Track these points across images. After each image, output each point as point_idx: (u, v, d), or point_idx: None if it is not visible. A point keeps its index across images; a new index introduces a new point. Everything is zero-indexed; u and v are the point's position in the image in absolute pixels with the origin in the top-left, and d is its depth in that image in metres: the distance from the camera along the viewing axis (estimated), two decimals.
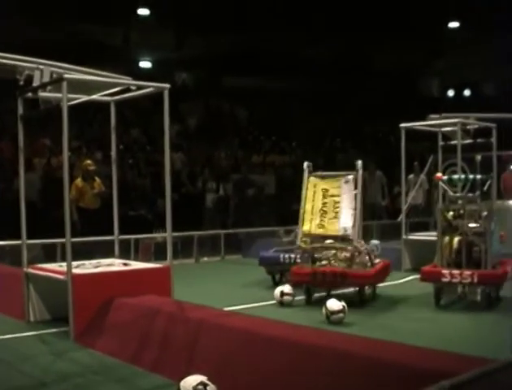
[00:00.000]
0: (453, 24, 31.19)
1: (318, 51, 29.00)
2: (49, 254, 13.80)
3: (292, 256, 11.34)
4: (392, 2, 26.97)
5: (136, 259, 13.72)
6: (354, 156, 24.99)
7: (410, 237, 13.93)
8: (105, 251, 11.07)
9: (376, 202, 19.32)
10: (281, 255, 11.59)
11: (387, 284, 11.01)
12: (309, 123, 28.77)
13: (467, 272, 9.19)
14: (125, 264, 9.19)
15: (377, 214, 19.41)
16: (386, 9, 27.17)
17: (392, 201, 20.44)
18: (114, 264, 9.24)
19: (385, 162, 22.94)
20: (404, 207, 14.45)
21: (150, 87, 8.88)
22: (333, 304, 8.39)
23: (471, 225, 9.51)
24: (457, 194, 10.21)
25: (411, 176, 17.24)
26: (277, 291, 9.86)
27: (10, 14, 22.12)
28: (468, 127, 14.33)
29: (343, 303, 8.40)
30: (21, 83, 8.48)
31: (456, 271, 9.24)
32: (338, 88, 29.75)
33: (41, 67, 8.30)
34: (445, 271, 9.29)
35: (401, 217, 14.33)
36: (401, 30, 28.19)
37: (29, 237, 9.25)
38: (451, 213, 9.75)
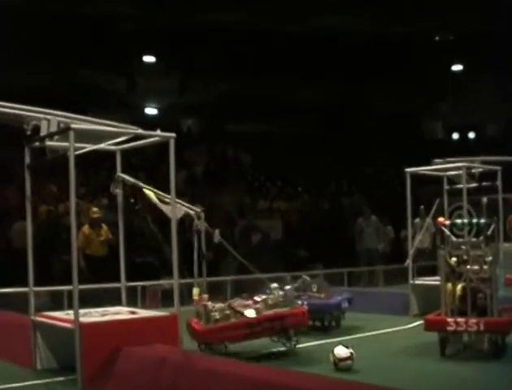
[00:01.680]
0: (457, 67, 31.46)
1: (320, 95, 29.23)
2: (57, 301, 13.79)
3: (300, 303, 11.25)
4: (395, 46, 27.26)
5: (143, 306, 13.70)
6: (359, 200, 25.25)
7: (417, 282, 13.85)
8: (112, 298, 11.06)
9: (372, 248, 19.31)
10: None
11: (394, 330, 10.95)
12: (313, 168, 28.85)
13: (473, 320, 9.02)
14: (132, 312, 9.14)
15: (373, 260, 19.40)
16: (389, 52, 27.45)
17: (399, 244, 20.39)
18: (121, 312, 9.20)
19: (390, 206, 22.97)
20: (410, 251, 14.39)
21: (156, 136, 8.95)
22: (341, 351, 8.32)
23: (476, 271, 9.38)
24: (461, 239, 10.12)
25: (417, 220, 17.20)
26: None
27: (16, 62, 22.37)
28: (473, 170, 14.36)
29: (351, 350, 8.34)
30: (28, 132, 8.57)
31: (461, 319, 9.04)
32: (342, 131, 29.92)
33: (49, 117, 8.39)
34: (450, 320, 9.13)
35: (408, 261, 14.26)
36: (404, 73, 28.45)
37: (35, 284, 9.24)
38: (454, 258, 9.64)
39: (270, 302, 9.64)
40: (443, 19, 26.81)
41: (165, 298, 14.48)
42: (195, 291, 9.88)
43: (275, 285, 10.24)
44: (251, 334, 9.34)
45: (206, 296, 9.60)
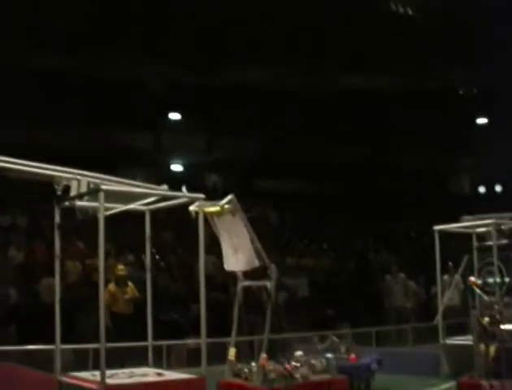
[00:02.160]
0: (482, 121, 31.44)
1: (347, 153, 29.29)
2: (82, 359, 13.70)
3: None
4: (420, 102, 27.35)
5: (168, 366, 13.56)
6: (387, 257, 25.08)
7: (449, 342, 13.59)
8: (137, 357, 10.97)
9: (400, 305, 19.07)
10: None
11: None
12: (340, 225, 28.75)
13: (508, 383, 8.82)
14: (159, 374, 9.01)
15: (403, 318, 19.13)
16: (414, 108, 27.54)
17: (428, 302, 20.15)
18: (148, 374, 9.06)
19: (418, 263, 22.78)
20: (440, 309, 14.18)
21: (185, 197, 8.98)
22: None
23: (509, 331, 9.21)
24: (493, 298, 9.96)
25: (446, 277, 16.98)
26: None
27: (46, 122, 22.70)
28: (502, 227, 14.19)
29: None
30: (59, 193, 8.63)
31: (496, 382, 8.86)
32: (368, 189, 29.87)
33: (79, 177, 8.44)
34: (484, 383, 8.92)
35: (438, 318, 14.03)
36: (430, 128, 28.49)
37: (62, 342, 9.19)
38: (487, 318, 9.46)
39: (315, 368, 9.61)
40: (466, 73, 26.94)
41: (191, 357, 14.34)
42: (231, 351, 9.75)
43: (300, 353, 10.19)
44: None
45: (264, 355, 9.43)
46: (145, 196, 9.18)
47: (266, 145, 28.24)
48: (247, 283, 10.03)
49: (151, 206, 9.62)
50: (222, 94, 25.88)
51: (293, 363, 9.78)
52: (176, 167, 30.92)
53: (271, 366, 9.44)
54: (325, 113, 27.12)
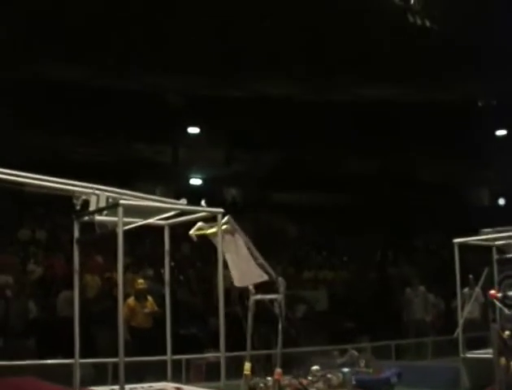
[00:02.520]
0: (501, 132, 31.34)
1: (366, 166, 29.29)
2: (101, 373, 13.75)
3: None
4: (438, 114, 27.28)
5: (187, 380, 13.56)
6: (407, 270, 24.99)
7: (469, 355, 13.50)
8: (156, 371, 10.98)
9: (420, 319, 18.96)
10: None
11: None
12: (359, 238, 28.72)
13: None
14: (178, 388, 9.01)
15: (423, 331, 19.03)
16: (432, 120, 27.48)
17: (448, 315, 20.03)
18: (166, 388, 9.07)
19: (438, 276, 22.67)
20: (460, 322, 14.09)
21: (204, 211, 9.01)
22: None
23: None
24: None
25: (466, 290, 16.86)
26: None
27: (64, 136, 22.85)
28: None
29: None
30: (78, 207, 8.67)
31: None
32: (387, 201, 29.82)
33: (98, 192, 8.48)
34: None
35: (458, 332, 13.94)
36: (449, 140, 28.41)
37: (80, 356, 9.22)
38: (507, 332, 9.40)
39: (332, 383, 9.59)
40: (486, 84, 26.85)
41: (209, 371, 14.33)
42: (247, 365, 9.74)
43: (316, 367, 10.18)
44: None
45: (279, 370, 9.40)
46: (164, 210, 9.21)
47: (285, 158, 28.29)
48: (258, 296, 10.03)
49: (170, 221, 9.64)
50: (240, 107, 25.95)
51: (309, 378, 9.77)
52: (195, 181, 31.03)
53: (286, 380, 9.41)
54: (344, 124, 27.13)
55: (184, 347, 15.22)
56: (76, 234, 9.06)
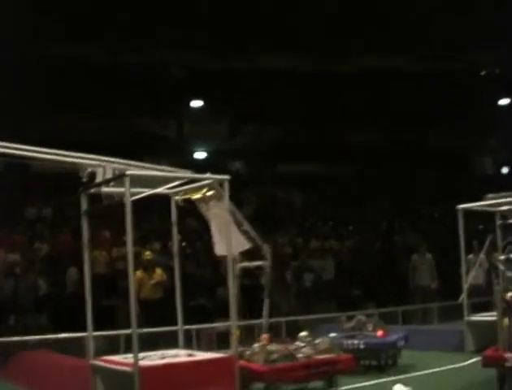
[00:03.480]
0: (504, 101, 31.27)
1: (371, 135, 29.30)
2: (113, 346, 13.94)
3: (356, 342, 11.24)
4: (443, 83, 27.25)
5: (198, 349, 13.74)
6: (412, 238, 25.11)
7: (473, 318, 13.68)
8: (167, 342, 11.14)
9: (426, 285, 19.08)
10: (344, 341, 11.45)
11: (450, 367, 10.82)
12: (364, 207, 28.83)
13: None
14: (190, 355, 9.19)
15: (428, 297, 19.16)
16: (437, 89, 27.45)
17: (454, 281, 20.16)
18: (179, 355, 9.23)
19: (443, 243, 22.79)
20: (465, 287, 14.24)
21: (211, 179, 9.12)
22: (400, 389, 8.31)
23: None
24: None
25: (471, 256, 16.97)
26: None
27: (71, 111, 22.95)
28: None
29: (409, 388, 8.30)
30: (84, 180, 8.80)
31: None
32: (392, 171, 29.89)
33: (104, 164, 8.61)
34: (508, 355, 8.96)
35: (462, 297, 14.10)
36: (453, 110, 28.39)
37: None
38: (510, 294, 9.49)
39: (319, 348, 9.72)
40: (489, 53, 26.81)
41: (220, 341, 14.50)
42: (235, 332, 9.89)
43: (304, 333, 10.34)
44: (308, 376, 9.42)
45: (266, 335, 9.53)
46: (171, 180, 9.33)
47: (289, 129, 28.31)
48: (245, 264, 10.15)
49: (176, 189, 9.74)
50: (243, 80, 25.97)
51: (297, 343, 9.90)
52: (200, 154, 31.09)
53: (273, 346, 9.53)
54: (348, 95, 27.14)
55: (194, 318, 15.41)
56: (84, 206, 9.19)
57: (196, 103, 28.15)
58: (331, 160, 30.17)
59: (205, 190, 9.21)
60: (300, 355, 9.52)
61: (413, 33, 24.34)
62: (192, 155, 30.46)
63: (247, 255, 10.33)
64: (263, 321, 10.72)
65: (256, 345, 9.55)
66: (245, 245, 9.48)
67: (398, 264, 23.17)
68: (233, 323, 8.79)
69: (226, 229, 9.12)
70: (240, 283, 10.36)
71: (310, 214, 28.83)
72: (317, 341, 9.94)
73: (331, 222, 27.89)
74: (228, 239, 8.96)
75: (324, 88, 26.84)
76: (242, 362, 9.08)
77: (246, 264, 10.09)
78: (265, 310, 9.91)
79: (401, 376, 10.15)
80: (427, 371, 11.13)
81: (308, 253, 23.07)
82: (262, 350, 9.25)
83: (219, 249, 9.82)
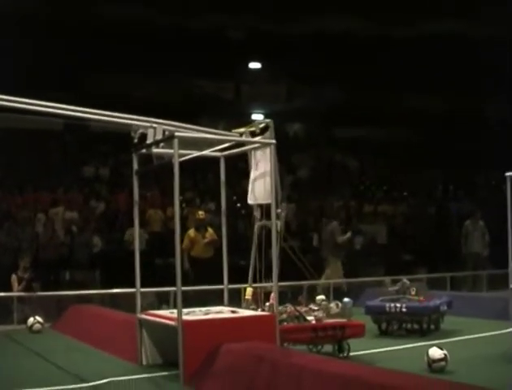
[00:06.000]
0: None
1: (429, 102, 29.00)
2: (164, 302, 14.35)
3: (398, 305, 11.39)
4: (500, 52, 26.74)
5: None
6: (467, 205, 24.94)
7: None
8: (216, 299, 11.45)
9: (477, 252, 19.01)
10: (387, 304, 11.62)
11: (492, 334, 10.89)
12: (420, 173, 28.69)
13: None
14: (233, 311, 9.49)
15: (479, 264, 19.10)
16: (495, 59, 26.95)
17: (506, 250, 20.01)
18: (222, 311, 9.56)
19: (499, 211, 22.61)
20: (510, 255, 14.17)
21: (257, 143, 9.31)
22: (435, 352, 8.45)
23: None
24: None
25: None
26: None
27: (124, 74, 23.27)
28: None
29: (445, 352, 8.45)
30: (135, 140, 9.10)
31: None
32: (450, 137, 29.59)
33: (154, 125, 8.88)
34: None
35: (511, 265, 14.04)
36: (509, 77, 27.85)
37: (143, 285, 9.74)
38: None
39: (330, 312, 9.88)
40: None
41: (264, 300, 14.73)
42: (248, 291, 10.08)
43: (321, 297, 10.49)
44: (315, 338, 9.56)
45: (273, 295, 9.71)
46: (218, 142, 9.57)
47: (347, 93, 28.20)
48: (262, 222, 10.24)
49: (226, 152, 9.98)
50: (301, 42, 25.91)
51: (311, 306, 10.05)
52: (257, 116, 31.20)
53: (286, 308, 9.70)
54: (408, 59, 26.84)
55: (244, 277, 15.67)
56: (135, 166, 9.50)
57: (254, 65, 28.21)
58: (389, 125, 29.98)
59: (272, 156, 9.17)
60: (310, 317, 9.70)
61: None
62: (249, 117, 30.59)
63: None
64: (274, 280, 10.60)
65: (267, 304, 9.77)
66: (268, 199, 9.57)
67: (451, 230, 23.10)
68: (275, 284, 9.04)
69: (261, 178, 9.36)
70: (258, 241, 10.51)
71: (365, 178, 28.86)
72: (331, 305, 10.08)
73: (385, 186, 27.88)
74: (258, 188, 9.16)
75: (383, 53, 26.60)
76: None
77: (264, 222, 10.21)
78: (274, 270, 9.73)
79: (442, 340, 10.29)
80: (468, 337, 11.27)
81: (361, 217, 23.16)
82: (271, 310, 9.44)
83: (250, 198, 10.05)
